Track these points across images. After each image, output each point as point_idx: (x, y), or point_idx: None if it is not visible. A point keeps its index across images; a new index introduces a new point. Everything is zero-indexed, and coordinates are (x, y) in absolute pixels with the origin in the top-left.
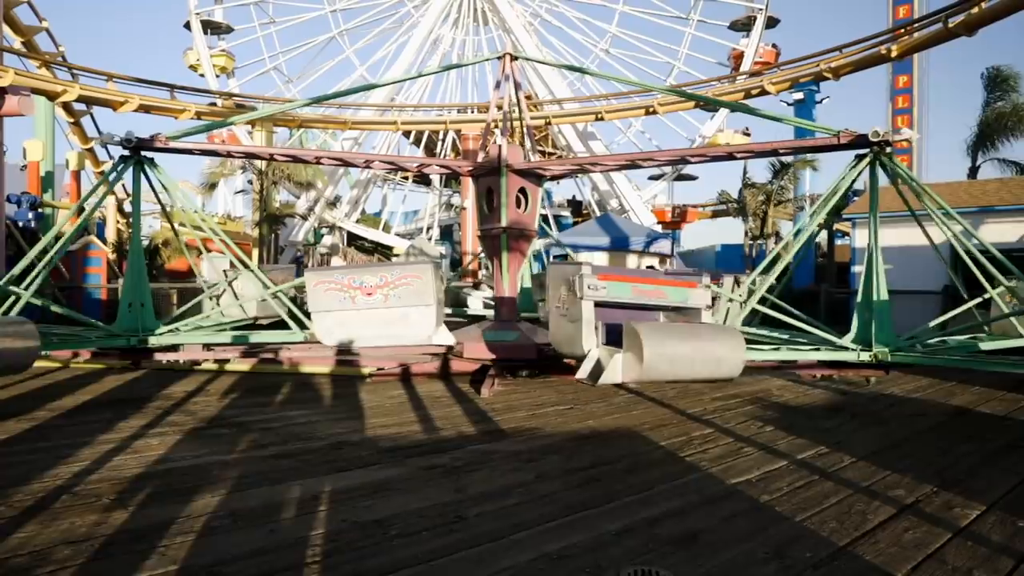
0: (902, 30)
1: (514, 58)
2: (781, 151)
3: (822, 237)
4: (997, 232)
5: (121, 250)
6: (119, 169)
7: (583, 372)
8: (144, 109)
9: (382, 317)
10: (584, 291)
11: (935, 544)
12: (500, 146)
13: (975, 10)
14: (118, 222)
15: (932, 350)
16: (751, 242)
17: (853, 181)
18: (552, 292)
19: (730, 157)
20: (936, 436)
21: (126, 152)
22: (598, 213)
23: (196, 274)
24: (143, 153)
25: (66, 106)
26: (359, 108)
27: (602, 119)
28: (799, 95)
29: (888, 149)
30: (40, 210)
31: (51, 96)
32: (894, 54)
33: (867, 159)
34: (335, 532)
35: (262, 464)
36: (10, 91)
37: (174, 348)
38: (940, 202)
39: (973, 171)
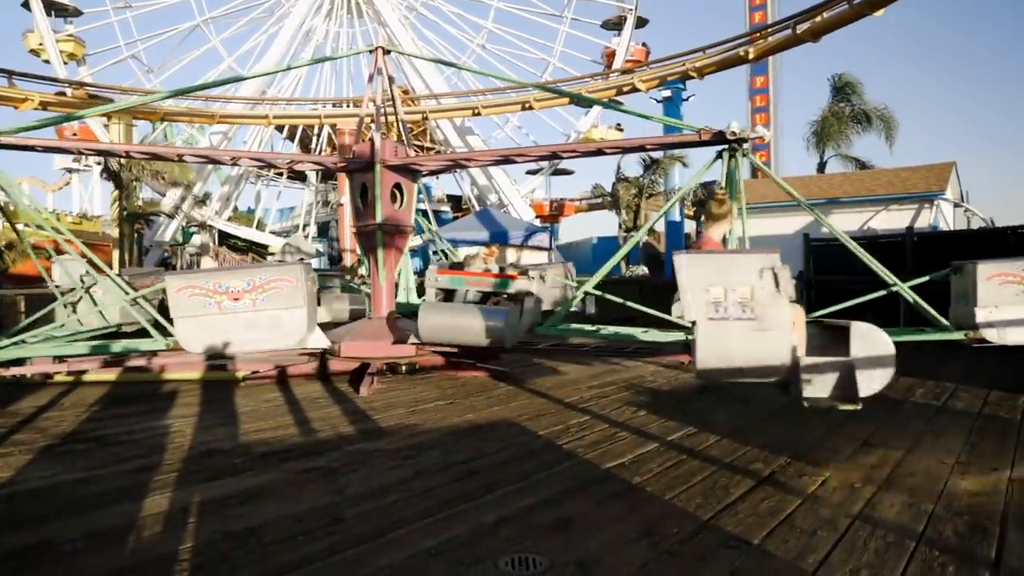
0: (758, 34)
1: (387, 52)
2: (648, 146)
3: (693, 228)
4: (840, 222)
5: None
6: None
7: None
8: None
9: (251, 321)
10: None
11: (787, 511)
12: (372, 141)
13: (818, 19)
14: None
15: None
16: (625, 234)
17: (706, 171)
18: None
19: (600, 152)
20: (791, 410)
21: None
22: (477, 208)
23: (46, 279)
24: None
25: None
26: (228, 101)
27: (479, 114)
28: (667, 93)
29: (745, 145)
30: None
31: None
32: (751, 56)
33: (726, 153)
34: (204, 544)
35: (123, 479)
36: None
37: (19, 362)
38: (793, 193)
39: (821, 166)
